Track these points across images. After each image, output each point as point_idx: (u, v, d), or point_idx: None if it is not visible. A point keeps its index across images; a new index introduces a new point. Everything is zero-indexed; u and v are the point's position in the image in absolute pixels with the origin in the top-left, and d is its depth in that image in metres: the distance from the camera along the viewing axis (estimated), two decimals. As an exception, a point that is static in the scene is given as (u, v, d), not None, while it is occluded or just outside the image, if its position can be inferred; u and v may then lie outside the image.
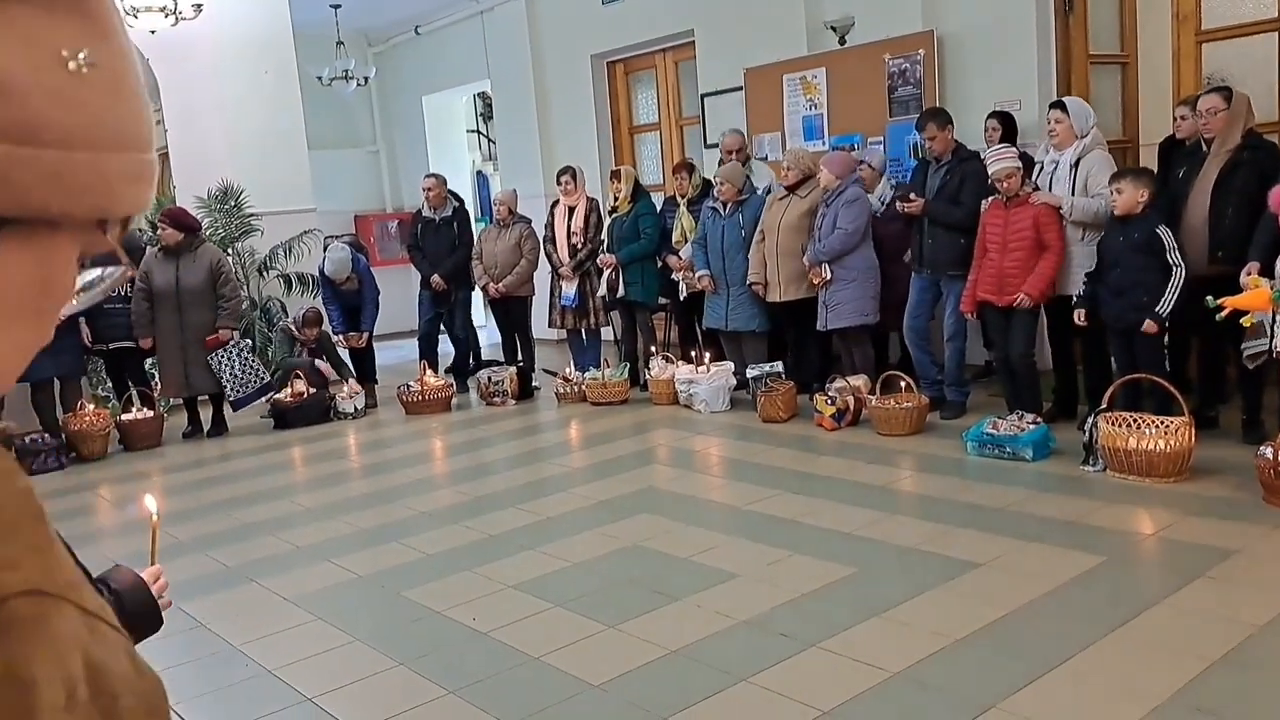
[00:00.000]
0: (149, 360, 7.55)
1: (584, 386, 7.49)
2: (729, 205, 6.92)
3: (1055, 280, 5.41)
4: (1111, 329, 5.17)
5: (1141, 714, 2.69)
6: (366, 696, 3.16)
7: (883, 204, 6.55)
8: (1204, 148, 5.26)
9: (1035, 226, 5.35)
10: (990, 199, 5.59)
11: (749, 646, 3.29)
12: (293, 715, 3.08)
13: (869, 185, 6.57)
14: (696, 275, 7.04)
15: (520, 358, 8.12)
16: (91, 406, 7.14)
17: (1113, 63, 7.09)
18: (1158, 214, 4.98)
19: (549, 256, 7.88)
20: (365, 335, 7.98)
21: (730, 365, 6.99)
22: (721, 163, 7.33)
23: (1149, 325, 4.91)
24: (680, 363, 7.30)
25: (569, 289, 7.77)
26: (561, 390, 7.63)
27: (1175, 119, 5.77)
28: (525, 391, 7.86)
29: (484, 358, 8.57)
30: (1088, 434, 4.92)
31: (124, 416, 7.20)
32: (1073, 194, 5.44)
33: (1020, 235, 5.38)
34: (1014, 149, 5.65)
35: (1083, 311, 5.21)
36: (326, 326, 8.05)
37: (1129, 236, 4.99)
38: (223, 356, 7.19)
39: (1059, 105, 5.58)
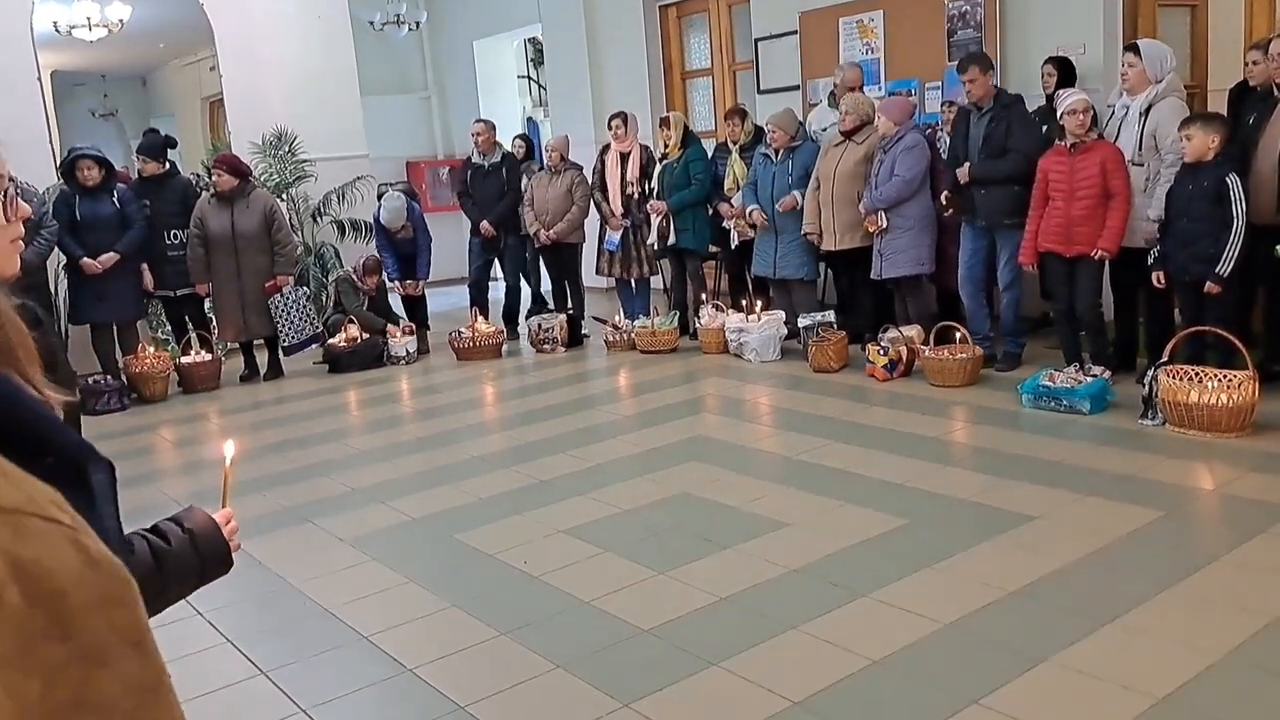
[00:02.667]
0: (208, 303, 7.67)
1: (633, 334, 7.48)
2: (780, 152, 6.83)
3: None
4: (1177, 280, 5.03)
5: (1198, 670, 2.66)
6: (420, 636, 3.22)
7: None
8: (1276, 93, 5.07)
9: (1102, 173, 5.19)
10: (1055, 144, 5.42)
11: (799, 595, 3.29)
12: (349, 653, 3.14)
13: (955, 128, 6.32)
14: (749, 210, 6.95)
15: (570, 305, 8.13)
16: (152, 349, 7.30)
17: (1182, 5, 6.84)
18: (1228, 162, 4.82)
19: (597, 205, 7.84)
20: (421, 283, 8.03)
21: (781, 314, 6.94)
22: (834, 96, 7.12)
23: (1211, 287, 4.78)
24: (730, 311, 7.26)
25: (614, 234, 7.74)
26: (611, 338, 7.63)
27: (1247, 64, 5.56)
28: (575, 339, 7.87)
29: (535, 303, 8.58)
30: (1147, 387, 4.83)
31: (183, 359, 7.34)
32: (1139, 143, 5.27)
33: (1087, 182, 5.22)
34: (1084, 90, 5.45)
35: (1160, 274, 5.07)
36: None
37: (1198, 185, 4.83)
38: (279, 302, 7.29)
39: (1133, 49, 5.39)
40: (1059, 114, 5.32)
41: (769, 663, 2.86)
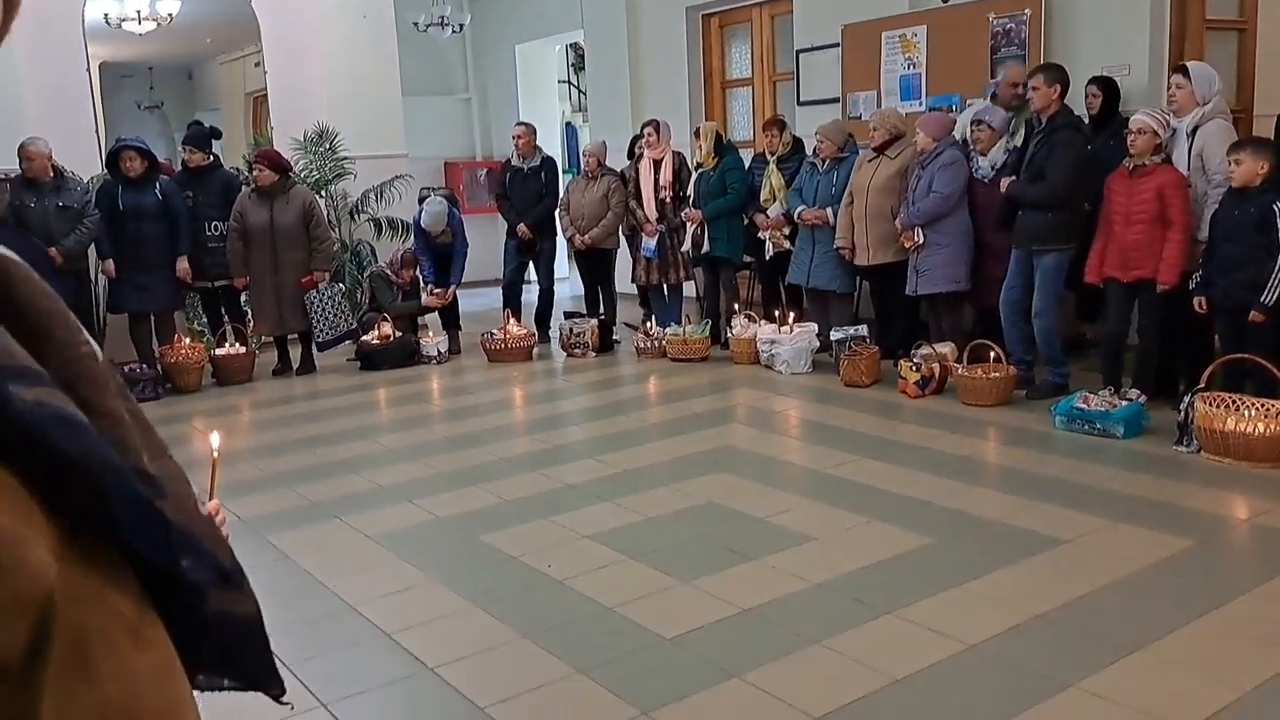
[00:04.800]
0: (244, 296, 7.76)
1: (664, 342, 7.48)
2: (827, 162, 6.82)
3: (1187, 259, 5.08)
4: (1219, 307, 4.97)
5: (1226, 702, 2.62)
6: (442, 636, 3.23)
7: (993, 169, 6.09)
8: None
9: (1159, 199, 5.08)
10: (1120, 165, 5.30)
11: (823, 610, 3.28)
12: (371, 649, 3.16)
13: (985, 147, 6.16)
14: (797, 211, 6.92)
15: (602, 310, 8.15)
16: (187, 340, 7.39)
17: (1230, 29, 6.76)
18: (1275, 189, 4.75)
19: (632, 213, 7.86)
20: (450, 291, 8.05)
21: (814, 326, 6.92)
22: (995, 98, 6.69)
23: (1254, 315, 4.71)
24: (763, 322, 7.25)
25: (650, 241, 7.76)
26: (642, 345, 7.64)
27: (1296, 89, 5.50)
28: (605, 344, 7.89)
29: (569, 309, 8.59)
30: (1183, 413, 4.77)
31: (218, 351, 7.42)
32: (1187, 165, 5.20)
33: (1143, 207, 5.12)
34: (1164, 115, 5.26)
35: (1203, 300, 5.00)
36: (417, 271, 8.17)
37: (1244, 211, 4.77)
38: (314, 297, 7.36)
39: (1181, 70, 5.32)
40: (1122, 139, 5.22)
41: (790, 677, 2.85)
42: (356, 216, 9.14)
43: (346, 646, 3.19)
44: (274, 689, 0.75)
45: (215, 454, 1.67)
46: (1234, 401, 4.62)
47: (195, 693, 0.67)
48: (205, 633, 0.64)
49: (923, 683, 2.79)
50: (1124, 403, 5.11)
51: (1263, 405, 4.53)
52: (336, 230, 8.63)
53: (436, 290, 8.04)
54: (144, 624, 0.57)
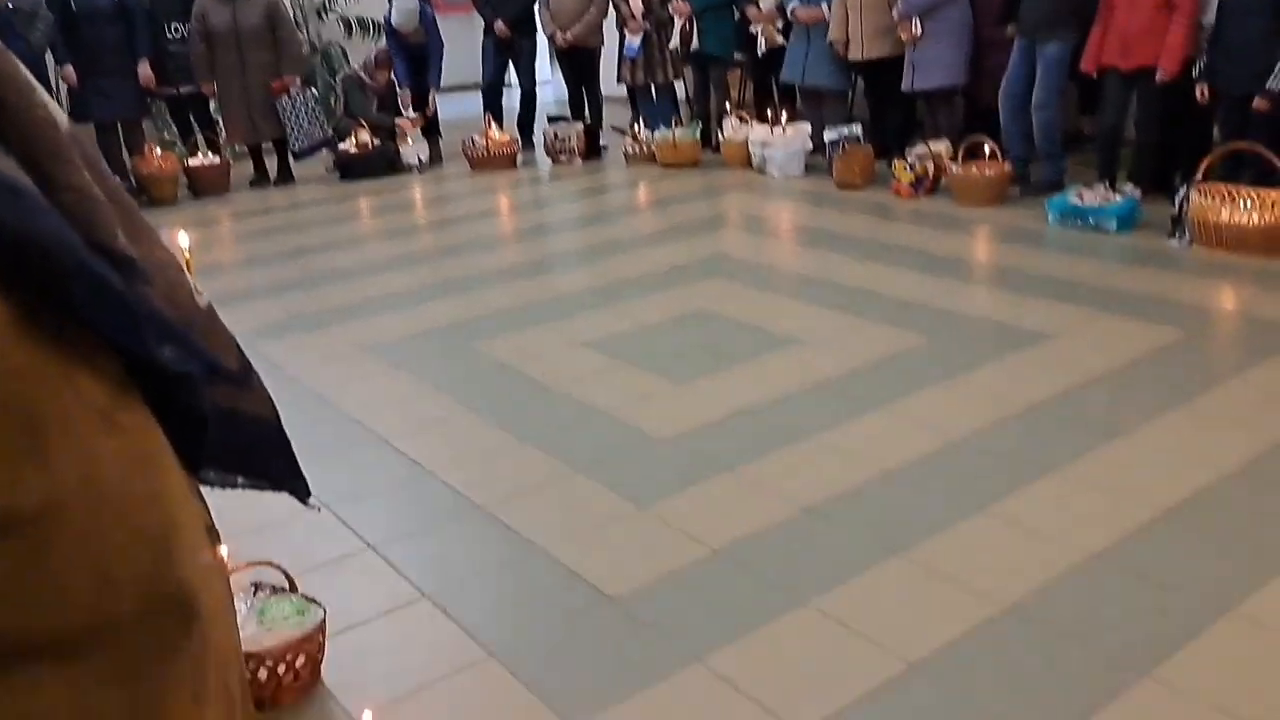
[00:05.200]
0: (214, 104, 7.48)
1: (653, 147, 7.28)
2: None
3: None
4: (1223, 94, 4.82)
5: (1207, 482, 2.68)
6: (437, 439, 3.26)
7: None
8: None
9: None
10: None
11: (816, 407, 3.30)
12: (368, 454, 3.19)
13: None
14: (791, 9, 6.63)
15: (588, 114, 7.90)
16: (159, 151, 7.17)
17: None
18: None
19: (616, 6, 7.50)
20: (431, 105, 7.73)
21: (806, 127, 6.74)
22: None
23: (1259, 103, 4.57)
24: (755, 123, 7.04)
25: (633, 39, 7.43)
26: (630, 150, 7.44)
27: None
28: (593, 150, 7.69)
29: (553, 113, 8.33)
30: (1178, 206, 4.71)
31: (191, 162, 7.22)
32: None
33: None
34: None
35: (1205, 87, 4.85)
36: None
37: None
38: (286, 104, 7.09)
39: None
40: None
41: (783, 469, 2.90)
42: (324, 15, 8.72)
43: (344, 452, 3.21)
44: (299, 491, 0.75)
45: (187, 255, 1.60)
46: (1229, 193, 4.55)
47: (207, 489, 0.66)
48: (204, 428, 0.61)
49: (911, 472, 2.84)
50: (1118, 197, 5.04)
51: (1259, 195, 4.47)
52: (304, 31, 8.25)
53: (413, 115, 7.71)
54: (120, 410, 0.54)
